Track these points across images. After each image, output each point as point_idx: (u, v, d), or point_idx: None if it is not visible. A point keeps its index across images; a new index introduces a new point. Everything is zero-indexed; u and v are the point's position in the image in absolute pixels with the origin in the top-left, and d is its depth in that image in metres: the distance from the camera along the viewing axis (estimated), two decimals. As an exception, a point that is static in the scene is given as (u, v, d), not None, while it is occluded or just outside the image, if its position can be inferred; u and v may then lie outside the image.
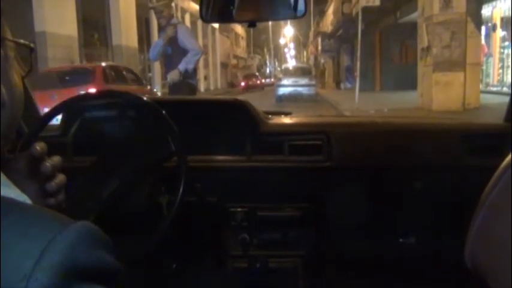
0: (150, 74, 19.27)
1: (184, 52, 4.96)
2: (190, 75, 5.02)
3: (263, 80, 34.73)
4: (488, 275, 0.45)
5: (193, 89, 5.23)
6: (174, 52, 4.99)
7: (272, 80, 25.84)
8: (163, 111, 1.24)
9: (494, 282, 0.44)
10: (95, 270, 0.43)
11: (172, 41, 4.98)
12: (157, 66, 18.39)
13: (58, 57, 10.06)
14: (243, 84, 28.63)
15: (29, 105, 1.46)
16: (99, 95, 1.54)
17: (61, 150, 1.52)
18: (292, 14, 1.31)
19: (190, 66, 4.98)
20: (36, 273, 0.39)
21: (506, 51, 14.02)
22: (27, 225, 0.42)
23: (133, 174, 1.23)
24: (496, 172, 0.44)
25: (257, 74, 37.10)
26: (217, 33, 32.28)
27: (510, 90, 10.55)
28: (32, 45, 0.62)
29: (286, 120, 1.67)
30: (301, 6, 1.27)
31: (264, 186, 1.52)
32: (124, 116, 1.43)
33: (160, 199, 1.26)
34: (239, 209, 1.51)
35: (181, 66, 4.91)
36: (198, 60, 5.18)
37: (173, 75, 4.95)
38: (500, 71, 14.33)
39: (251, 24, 1.30)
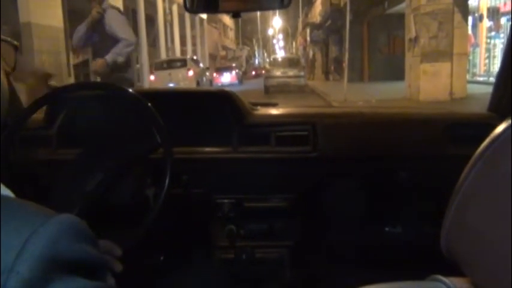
0: (138, 66, 19.10)
1: (114, 41, 4.27)
2: (120, 68, 4.33)
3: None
4: (462, 262, 0.46)
5: (129, 83, 4.50)
6: (101, 40, 4.31)
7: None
8: (149, 103, 1.23)
9: (467, 268, 0.45)
10: (78, 263, 0.43)
11: (99, 27, 4.27)
12: (145, 57, 18.26)
13: (44, 48, 9.92)
14: (253, 73, 38.66)
15: (13, 99, 1.44)
16: (83, 86, 1.52)
17: (45, 142, 1.51)
18: (278, 4, 1.30)
19: (121, 59, 4.30)
20: (17, 266, 0.38)
21: (492, 41, 14.14)
22: (9, 218, 0.41)
23: (119, 166, 1.22)
24: (470, 160, 0.45)
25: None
26: (205, 24, 32.06)
27: (496, 80, 10.62)
28: (16, 43, 0.62)
29: (273, 111, 1.67)
30: None
31: (250, 177, 1.52)
32: (109, 108, 1.42)
33: (147, 191, 1.25)
34: (226, 201, 1.51)
35: (109, 57, 4.21)
36: (130, 53, 4.53)
37: (97, 66, 4.25)
38: (487, 61, 14.44)
39: (235, 14, 1.29)
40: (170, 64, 16.14)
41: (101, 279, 0.46)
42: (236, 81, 25.15)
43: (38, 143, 1.48)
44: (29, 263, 0.39)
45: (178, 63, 16.02)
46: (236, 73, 26.10)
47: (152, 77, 15.66)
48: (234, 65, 29.77)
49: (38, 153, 1.47)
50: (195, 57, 18.99)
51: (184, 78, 15.16)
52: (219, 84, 23.09)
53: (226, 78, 24.75)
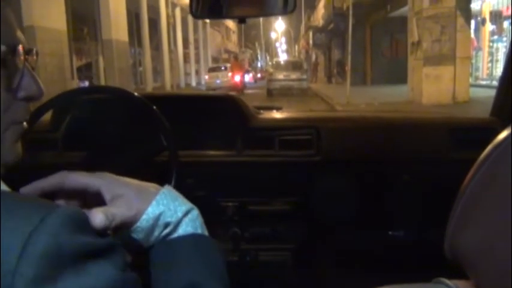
0: (140, 69, 19.17)
1: None
2: None
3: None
4: (466, 265, 0.46)
5: None
6: None
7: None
8: (154, 107, 1.24)
9: (471, 272, 0.46)
10: (81, 252, 0.42)
11: None
12: (148, 61, 18.31)
13: (47, 51, 9.94)
14: (259, 75, 42.43)
15: None
16: (89, 90, 1.53)
17: (52, 145, 1.53)
18: (282, 10, 1.31)
19: None
20: (21, 268, 0.38)
21: (495, 45, 14.12)
22: (5, 218, 0.40)
23: (124, 169, 1.23)
24: (474, 165, 0.46)
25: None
26: (208, 28, 32.14)
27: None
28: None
29: (277, 115, 1.68)
30: (291, 1, 1.28)
31: (254, 180, 1.53)
32: (115, 112, 1.43)
33: None
34: (230, 204, 1.52)
35: None
36: None
37: None
38: (490, 64, 14.43)
39: (241, 20, 1.30)
40: (217, 69, 24.53)
41: (118, 267, 0.45)
42: (252, 81, 33.68)
43: (45, 146, 1.50)
44: (33, 262, 0.38)
45: (222, 68, 23.94)
46: (253, 75, 35.41)
47: (206, 77, 24.31)
48: (250, 68, 37.62)
49: (45, 156, 1.48)
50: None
51: (226, 77, 22.05)
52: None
53: (245, 79, 31.70)
